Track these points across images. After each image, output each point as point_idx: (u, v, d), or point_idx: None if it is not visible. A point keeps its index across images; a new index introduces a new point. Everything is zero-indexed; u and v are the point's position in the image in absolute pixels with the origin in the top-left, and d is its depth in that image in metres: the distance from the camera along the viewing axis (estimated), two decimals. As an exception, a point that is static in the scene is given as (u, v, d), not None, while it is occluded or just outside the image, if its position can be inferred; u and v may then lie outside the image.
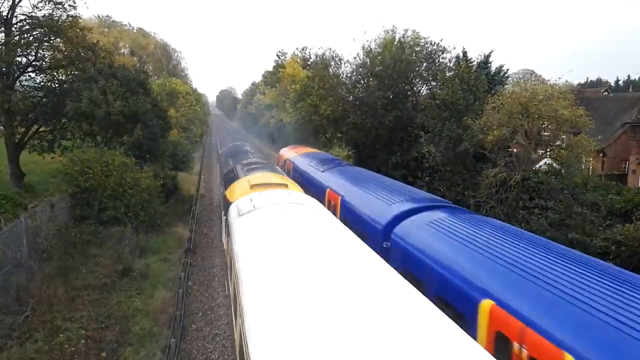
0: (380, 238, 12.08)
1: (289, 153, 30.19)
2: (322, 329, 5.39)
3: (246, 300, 6.65)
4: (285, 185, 15.47)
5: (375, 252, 8.27)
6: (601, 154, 34.60)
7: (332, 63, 38.27)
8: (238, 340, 7.67)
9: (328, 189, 18.00)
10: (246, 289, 7.05)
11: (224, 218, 16.32)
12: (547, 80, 22.92)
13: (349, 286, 6.57)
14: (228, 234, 12.53)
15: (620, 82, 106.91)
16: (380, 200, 13.99)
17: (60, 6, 21.09)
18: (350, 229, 10.18)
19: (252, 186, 15.00)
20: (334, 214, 14.81)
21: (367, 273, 7.18)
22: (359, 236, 9.53)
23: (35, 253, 15.83)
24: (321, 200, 16.05)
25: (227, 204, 15.18)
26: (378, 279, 6.95)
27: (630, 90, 67.92)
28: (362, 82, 31.68)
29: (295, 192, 14.45)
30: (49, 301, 13.74)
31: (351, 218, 14.63)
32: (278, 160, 31.78)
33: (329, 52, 42.13)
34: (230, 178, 19.60)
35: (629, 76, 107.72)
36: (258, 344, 5.36)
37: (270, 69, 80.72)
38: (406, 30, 31.07)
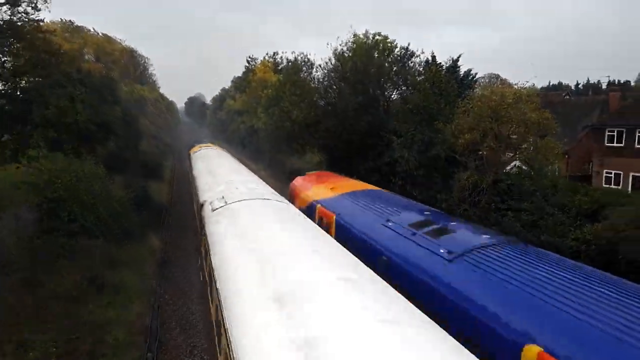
0: None
1: (316, 190, 17.42)
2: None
3: (199, 182, 20.18)
4: (213, 145, 41.88)
5: None
6: (565, 156, 35.76)
7: (304, 68, 38.28)
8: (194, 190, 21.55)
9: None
10: (197, 177, 21.97)
11: (187, 162, 37.31)
12: (515, 84, 23.48)
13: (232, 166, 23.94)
14: (189, 164, 32.52)
15: (580, 86, 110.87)
16: None
17: (20, 9, 20.33)
18: None
19: (199, 147, 38.32)
20: None
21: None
22: None
23: (-1, 267, 15.19)
24: None
25: (189, 154, 38.08)
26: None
27: (590, 93, 70.53)
28: (334, 87, 31.77)
29: (215, 147, 39.70)
30: (16, 314, 13.20)
31: None
32: (293, 198, 19.12)
33: (301, 57, 42.20)
34: (190, 146, 45.40)
35: (588, 79, 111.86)
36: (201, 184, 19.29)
37: (239, 74, 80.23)
38: (375, 34, 31.34)
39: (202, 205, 14.82)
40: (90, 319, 13.59)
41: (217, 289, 8.03)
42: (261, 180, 19.22)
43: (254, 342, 5.67)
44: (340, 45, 31.82)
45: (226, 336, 6.43)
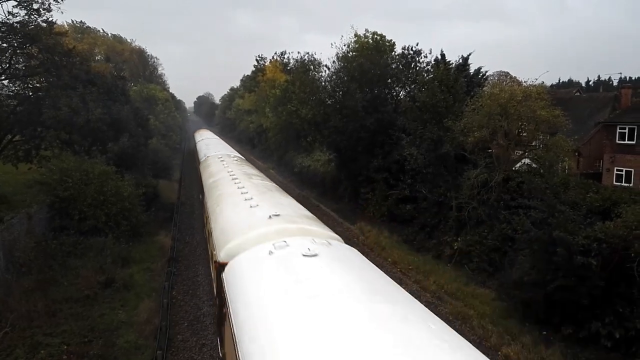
0: None
1: None
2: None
3: (197, 138, 56.63)
4: (210, 131, 72.82)
5: None
6: (576, 154, 35.39)
7: (312, 67, 38.31)
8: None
9: None
10: (195, 137, 61.56)
11: (192, 137, 69.13)
12: (525, 82, 23.27)
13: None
14: (194, 137, 64.31)
15: (590, 83, 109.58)
16: None
17: (35, 12, 20.53)
18: None
19: (199, 130, 74.12)
20: None
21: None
22: None
23: (12, 267, 15.38)
24: None
25: (193, 135, 67.77)
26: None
27: (601, 90, 69.66)
28: (342, 85, 31.71)
29: (206, 130, 74.44)
30: (29, 316, 13.36)
31: None
32: None
33: (308, 57, 42.23)
34: (194, 131, 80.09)
35: (598, 76, 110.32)
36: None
37: (249, 73, 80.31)
38: (373, 33, 31.34)
39: (195, 143, 52.10)
40: (101, 322, 13.75)
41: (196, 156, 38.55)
42: (217, 137, 57.57)
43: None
44: (344, 45, 31.93)
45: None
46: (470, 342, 5.64)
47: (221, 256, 9.31)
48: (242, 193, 14.46)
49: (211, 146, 37.38)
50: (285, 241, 8.16)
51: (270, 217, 10.56)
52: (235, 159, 26.56)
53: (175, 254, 21.14)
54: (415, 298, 6.96)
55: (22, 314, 13.30)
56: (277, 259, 7.52)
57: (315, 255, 7.25)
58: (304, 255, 7.24)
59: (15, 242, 15.97)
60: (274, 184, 19.47)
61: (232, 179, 17.79)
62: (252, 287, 7.02)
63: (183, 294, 17.17)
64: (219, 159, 25.92)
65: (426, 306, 6.66)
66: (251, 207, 12.19)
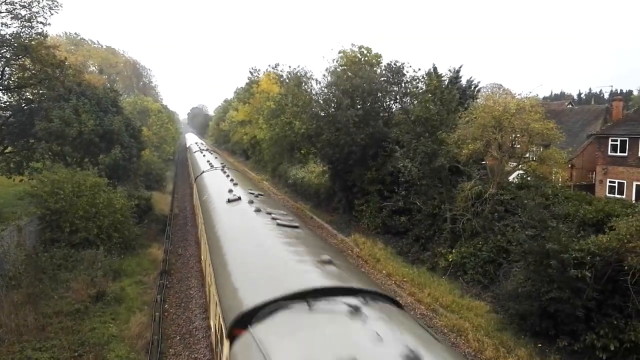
0: None
1: None
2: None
3: (186, 137, 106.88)
4: (196, 135, 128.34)
5: None
6: (569, 165, 35.60)
7: (304, 79, 38.44)
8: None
9: None
10: (185, 137, 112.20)
11: (184, 137, 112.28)
12: (519, 94, 23.41)
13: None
14: (184, 137, 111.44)
15: (582, 95, 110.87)
16: None
17: (28, 24, 20.55)
18: None
19: (190, 133, 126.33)
20: None
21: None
22: None
23: (2, 280, 15.16)
24: None
25: (184, 138, 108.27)
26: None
27: (593, 102, 70.43)
28: (334, 99, 31.75)
29: (193, 134, 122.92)
30: (18, 330, 13.13)
31: None
32: None
33: (301, 70, 42.41)
34: (185, 133, 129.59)
35: (590, 89, 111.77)
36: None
37: (242, 85, 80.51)
38: (360, 47, 31.75)
39: (187, 146, 74.06)
40: (92, 336, 13.53)
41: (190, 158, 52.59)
42: (198, 138, 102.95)
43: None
44: (334, 60, 32.41)
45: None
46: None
47: (194, 175, 28.70)
48: (203, 156, 40.35)
49: (191, 137, 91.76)
50: (224, 171, 26.05)
51: (213, 163, 31.69)
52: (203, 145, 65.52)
53: (168, 266, 20.93)
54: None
55: (12, 328, 13.08)
56: (214, 175, 24.47)
57: (219, 170, 25.91)
58: (215, 169, 26.55)
59: (5, 255, 15.73)
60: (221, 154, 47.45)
61: (201, 150, 47.94)
62: (203, 183, 22.78)
63: (175, 307, 16.96)
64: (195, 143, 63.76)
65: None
66: (207, 160, 34.38)
